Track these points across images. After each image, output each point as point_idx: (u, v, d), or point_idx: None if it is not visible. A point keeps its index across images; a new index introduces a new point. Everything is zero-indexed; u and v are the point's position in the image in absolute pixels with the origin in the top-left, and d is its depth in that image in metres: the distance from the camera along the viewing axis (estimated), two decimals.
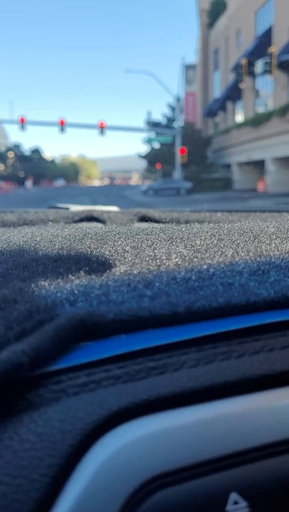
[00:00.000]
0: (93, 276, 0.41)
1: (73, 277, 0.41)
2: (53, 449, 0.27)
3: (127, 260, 0.44)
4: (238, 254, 0.45)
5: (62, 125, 24.19)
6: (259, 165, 25.18)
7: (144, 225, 0.95)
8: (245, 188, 26.32)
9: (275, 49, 21.05)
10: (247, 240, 0.50)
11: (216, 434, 0.30)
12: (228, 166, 30.12)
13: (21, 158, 69.78)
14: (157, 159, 34.24)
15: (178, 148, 26.76)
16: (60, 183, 65.10)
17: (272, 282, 0.40)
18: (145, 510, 0.27)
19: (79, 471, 0.27)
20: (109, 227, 0.65)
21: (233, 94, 28.48)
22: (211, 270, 0.41)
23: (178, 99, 28.96)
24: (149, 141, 32.35)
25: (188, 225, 0.63)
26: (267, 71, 21.01)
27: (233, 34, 29.81)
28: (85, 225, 0.92)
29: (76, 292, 0.38)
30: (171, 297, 0.38)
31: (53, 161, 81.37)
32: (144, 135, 35.05)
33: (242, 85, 24.83)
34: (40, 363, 0.31)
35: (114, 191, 30.77)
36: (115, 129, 29.44)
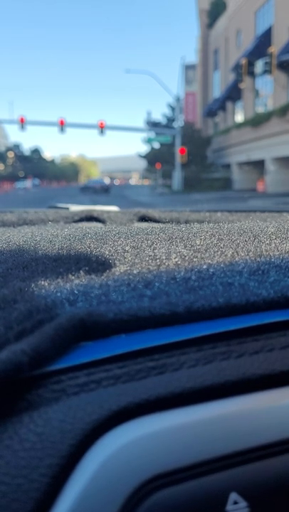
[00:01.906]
0: (93, 276, 0.41)
1: (73, 277, 0.41)
2: (52, 448, 0.27)
3: (126, 260, 0.44)
4: (237, 254, 0.45)
5: (62, 125, 24.18)
6: (259, 165, 25.18)
7: (143, 224, 0.95)
8: (245, 188, 26.32)
9: (274, 49, 21.05)
10: (247, 239, 0.50)
11: (216, 434, 0.30)
12: (227, 166, 30.12)
13: (21, 158, 69.77)
14: (157, 159, 34.24)
15: (178, 148, 26.76)
16: (23, 184, 43.59)
17: (272, 282, 0.40)
18: (145, 510, 0.27)
19: (79, 470, 0.27)
20: (109, 227, 0.65)
21: (233, 94, 28.48)
22: (211, 270, 0.41)
23: (178, 99, 28.95)
24: (148, 141, 32.34)
25: (188, 224, 0.63)
26: (267, 71, 21.01)
27: (233, 34, 29.81)
28: (84, 224, 0.92)
29: (76, 292, 0.38)
30: (171, 297, 0.38)
31: (52, 161, 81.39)
32: (144, 135, 35.06)
33: (242, 85, 24.82)
34: (40, 363, 0.31)
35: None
36: (115, 129, 29.45)
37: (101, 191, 28.73)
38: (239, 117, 29.56)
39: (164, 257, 0.44)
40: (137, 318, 0.36)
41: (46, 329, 0.33)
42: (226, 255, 0.45)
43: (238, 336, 0.36)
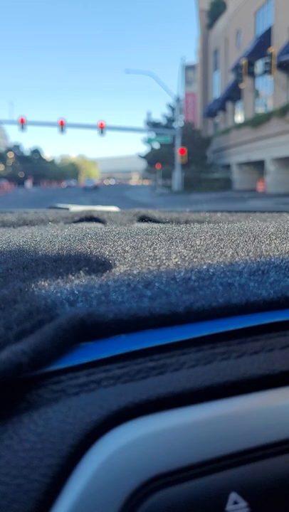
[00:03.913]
0: (93, 277, 0.41)
1: (73, 277, 0.41)
2: (52, 449, 0.27)
3: (126, 260, 0.44)
4: (237, 255, 0.45)
5: (62, 125, 24.19)
6: (259, 165, 25.18)
7: (143, 225, 0.95)
8: (245, 188, 26.32)
9: (274, 49, 21.04)
10: (247, 240, 0.50)
11: (216, 434, 0.30)
12: (227, 167, 30.12)
13: (21, 158, 69.81)
14: (157, 159, 34.25)
15: (178, 149, 26.76)
16: None
17: (272, 282, 0.40)
18: (145, 511, 0.27)
19: (79, 471, 0.27)
20: (109, 228, 0.65)
21: (233, 94, 28.48)
22: (211, 270, 0.41)
23: (178, 100, 28.94)
24: (148, 141, 32.34)
25: (188, 225, 0.63)
26: (267, 71, 20.99)
27: (232, 34, 29.81)
28: (84, 225, 0.92)
29: (76, 292, 0.38)
30: (171, 297, 0.38)
31: (52, 162, 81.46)
32: (144, 135, 35.11)
33: (242, 86, 24.81)
34: (40, 363, 0.31)
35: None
36: (115, 130, 29.44)
37: (92, 188, 41.18)
38: (239, 118, 29.56)
39: (164, 258, 0.44)
40: (137, 319, 0.36)
41: (46, 330, 0.33)
42: (225, 255, 0.45)
43: (238, 336, 0.36)
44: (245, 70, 22.57)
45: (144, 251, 0.47)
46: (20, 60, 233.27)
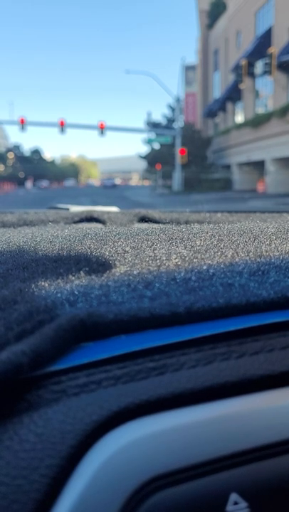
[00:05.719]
0: (93, 277, 0.41)
1: (73, 278, 0.41)
2: (52, 449, 0.27)
3: (127, 261, 0.44)
4: (238, 255, 0.45)
5: (62, 126, 24.19)
6: (259, 165, 25.18)
7: (144, 225, 0.95)
8: (245, 188, 26.33)
9: (274, 50, 21.03)
10: (247, 240, 0.50)
11: (216, 434, 0.30)
12: (228, 167, 30.13)
13: (21, 158, 69.84)
14: (157, 160, 34.27)
15: (178, 149, 26.76)
16: None
17: (272, 283, 0.40)
18: (145, 511, 0.27)
19: (79, 471, 0.27)
20: (109, 228, 0.65)
21: (233, 94, 28.49)
22: (211, 271, 0.41)
23: (178, 100, 28.94)
24: (149, 141, 32.35)
25: (188, 225, 0.63)
26: (267, 72, 20.97)
27: (232, 35, 29.81)
28: (85, 225, 0.92)
29: (76, 293, 0.38)
30: (171, 298, 0.38)
31: (53, 162, 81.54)
32: (144, 136, 35.14)
33: (242, 86, 24.80)
34: (40, 364, 0.31)
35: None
36: (115, 130, 29.44)
37: (111, 187, 45.75)
38: (239, 118, 29.57)
39: (164, 258, 0.44)
40: (137, 319, 0.36)
41: (46, 330, 0.33)
42: (226, 256, 0.45)
43: (238, 336, 0.36)
44: (245, 70, 22.56)
45: (144, 251, 0.47)
46: (20, 60, 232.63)
